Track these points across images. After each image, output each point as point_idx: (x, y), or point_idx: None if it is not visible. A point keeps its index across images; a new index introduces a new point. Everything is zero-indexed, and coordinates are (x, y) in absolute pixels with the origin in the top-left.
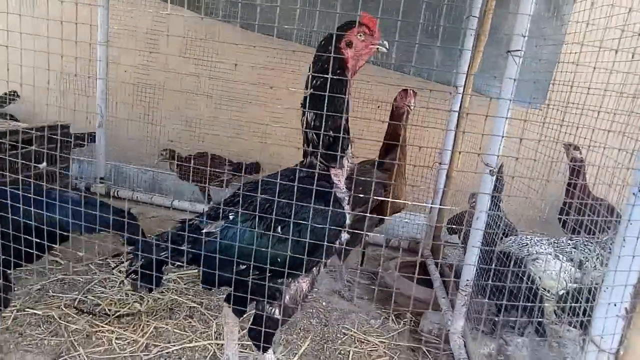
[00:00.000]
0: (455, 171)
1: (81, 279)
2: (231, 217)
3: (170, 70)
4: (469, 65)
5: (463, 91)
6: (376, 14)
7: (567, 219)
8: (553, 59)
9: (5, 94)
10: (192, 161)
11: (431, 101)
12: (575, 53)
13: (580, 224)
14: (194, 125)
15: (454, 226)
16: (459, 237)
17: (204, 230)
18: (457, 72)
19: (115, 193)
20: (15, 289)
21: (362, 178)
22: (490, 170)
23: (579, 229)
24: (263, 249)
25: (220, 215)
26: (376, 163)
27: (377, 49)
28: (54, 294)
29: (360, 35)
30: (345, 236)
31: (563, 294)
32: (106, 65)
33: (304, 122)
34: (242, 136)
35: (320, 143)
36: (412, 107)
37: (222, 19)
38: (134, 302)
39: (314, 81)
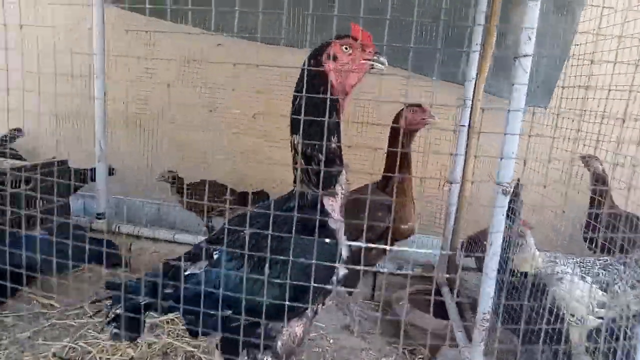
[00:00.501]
0: (467, 200)
1: (74, 324)
2: (215, 257)
3: (151, 101)
4: (477, 74)
5: (472, 104)
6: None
7: (593, 236)
8: (562, 58)
9: (9, 131)
10: (189, 189)
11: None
12: (590, 53)
13: (610, 241)
14: (195, 154)
15: (471, 252)
16: (475, 261)
17: (186, 272)
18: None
19: (117, 229)
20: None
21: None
22: (502, 189)
23: (609, 246)
24: (250, 292)
25: (204, 254)
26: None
27: (372, 65)
28: (44, 342)
29: (347, 48)
30: (342, 272)
31: (592, 327)
32: (104, 101)
33: (291, 147)
34: (243, 163)
35: (309, 170)
36: (435, 120)
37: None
38: (127, 347)
39: (297, 100)
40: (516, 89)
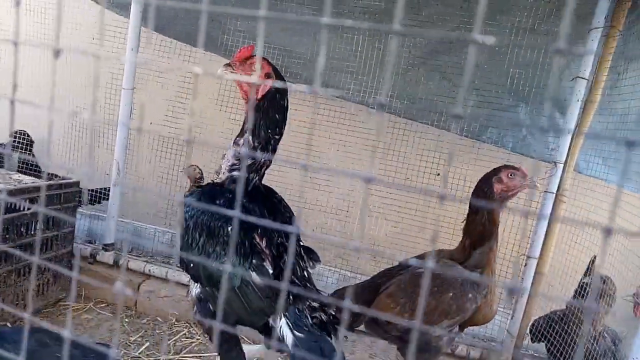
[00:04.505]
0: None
1: None
2: None
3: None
4: (572, 139)
5: (563, 170)
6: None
7: None
8: None
9: (16, 134)
10: None
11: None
12: None
13: None
14: None
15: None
16: (547, 347)
17: None
18: (556, 145)
19: (126, 264)
20: None
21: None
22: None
23: None
24: None
25: None
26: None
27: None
28: None
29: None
30: None
31: None
32: (129, 116)
33: None
34: None
35: None
36: (537, 187)
37: None
38: None
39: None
40: None
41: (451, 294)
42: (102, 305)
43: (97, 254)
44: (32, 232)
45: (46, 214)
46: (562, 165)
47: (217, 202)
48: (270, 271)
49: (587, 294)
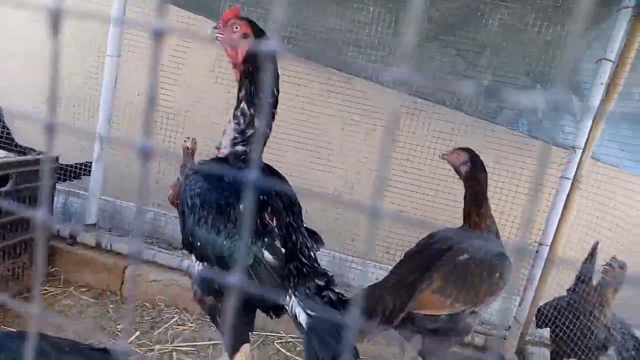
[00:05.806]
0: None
1: None
2: None
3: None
4: (592, 124)
5: (582, 155)
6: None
7: None
8: None
9: None
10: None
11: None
12: None
13: None
14: None
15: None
16: (551, 333)
17: None
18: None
19: (109, 246)
20: None
21: None
22: None
23: None
24: None
25: None
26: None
27: None
28: None
29: None
30: None
31: None
32: (114, 85)
33: None
34: None
35: None
36: None
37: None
38: None
39: None
40: None
41: (498, 274)
42: (83, 289)
43: (77, 234)
44: (6, 212)
45: (21, 192)
46: (580, 151)
47: (226, 179)
48: (283, 250)
49: (589, 279)
